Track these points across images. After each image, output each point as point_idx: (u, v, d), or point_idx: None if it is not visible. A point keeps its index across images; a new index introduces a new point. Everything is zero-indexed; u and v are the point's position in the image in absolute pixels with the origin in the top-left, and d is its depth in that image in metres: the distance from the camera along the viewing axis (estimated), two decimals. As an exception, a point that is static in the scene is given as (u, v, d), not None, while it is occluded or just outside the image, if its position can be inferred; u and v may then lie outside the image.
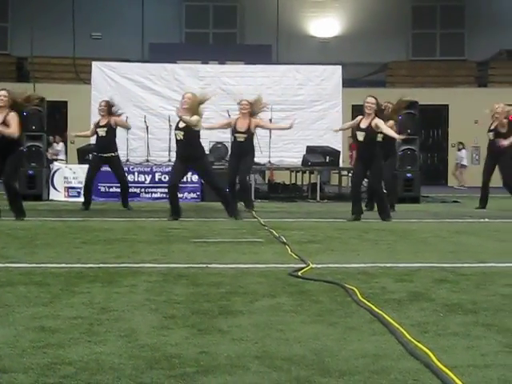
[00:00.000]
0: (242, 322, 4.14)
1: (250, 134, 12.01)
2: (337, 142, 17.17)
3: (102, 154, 12.42)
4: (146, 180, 15.19)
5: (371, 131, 10.38)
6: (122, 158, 13.49)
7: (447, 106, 26.20)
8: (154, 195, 15.11)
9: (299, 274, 5.78)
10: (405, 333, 3.86)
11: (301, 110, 17.62)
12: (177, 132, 10.59)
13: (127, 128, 13.56)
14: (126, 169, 13.89)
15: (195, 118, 10.36)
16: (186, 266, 6.20)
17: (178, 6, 27.87)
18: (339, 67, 18.28)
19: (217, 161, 15.18)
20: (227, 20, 27.89)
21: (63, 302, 4.64)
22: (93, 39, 26.60)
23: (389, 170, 12.03)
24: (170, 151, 15.64)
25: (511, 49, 26.78)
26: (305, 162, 15.97)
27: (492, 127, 13.34)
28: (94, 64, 18.15)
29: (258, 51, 24.68)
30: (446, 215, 12.03)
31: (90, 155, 13.43)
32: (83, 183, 12.93)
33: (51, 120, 18.29)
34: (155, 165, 15.62)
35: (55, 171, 15.21)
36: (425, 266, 6.32)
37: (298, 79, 18.12)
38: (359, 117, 10.70)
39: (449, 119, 26.47)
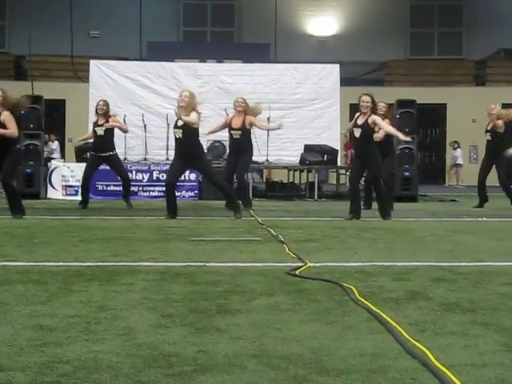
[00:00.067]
0: (239, 321, 4.14)
1: (244, 130, 12.06)
2: (335, 141, 17.18)
3: (100, 154, 12.42)
4: (143, 178, 15.19)
5: (367, 127, 10.39)
6: (120, 157, 13.45)
7: (445, 104, 26.16)
8: (152, 194, 15.11)
9: (297, 272, 5.78)
10: (402, 331, 3.86)
11: (299, 109, 17.64)
12: (175, 130, 10.59)
13: (125, 132, 13.48)
14: (123, 167, 13.87)
15: (194, 116, 10.37)
16: (184, 264, 6.20)
17: (176, 4, 27.83)
18: (337, 66, 18.25)
19: (215, 159, 15.18)
20: (225, 18, 27.84)
21: (61, 301, 4.64)
22: (91, 37, 26.53)
23: (387, 168, 12.03)
24: (167, 149, 15.64)
25: (509, 48, 26.74)
26: (303, 160, 15.96)
27: (489, 128, 13.35)
28: (92, 62, 18.10)
29: (256, 50, 24.62)
30: (444, 214, 12.04)
31: (88, 153, 13.41)
32: (81, 182, 12.94)
33: (49, 118, 18.25)
34: (153, 163, 15.61)
35: (53, 169, 15.19)
36: (422, 264, 6.33)
37: (295, 78, 18.09)
38: (357, 113, 10.72)
39: (447, 118, 26.43)
